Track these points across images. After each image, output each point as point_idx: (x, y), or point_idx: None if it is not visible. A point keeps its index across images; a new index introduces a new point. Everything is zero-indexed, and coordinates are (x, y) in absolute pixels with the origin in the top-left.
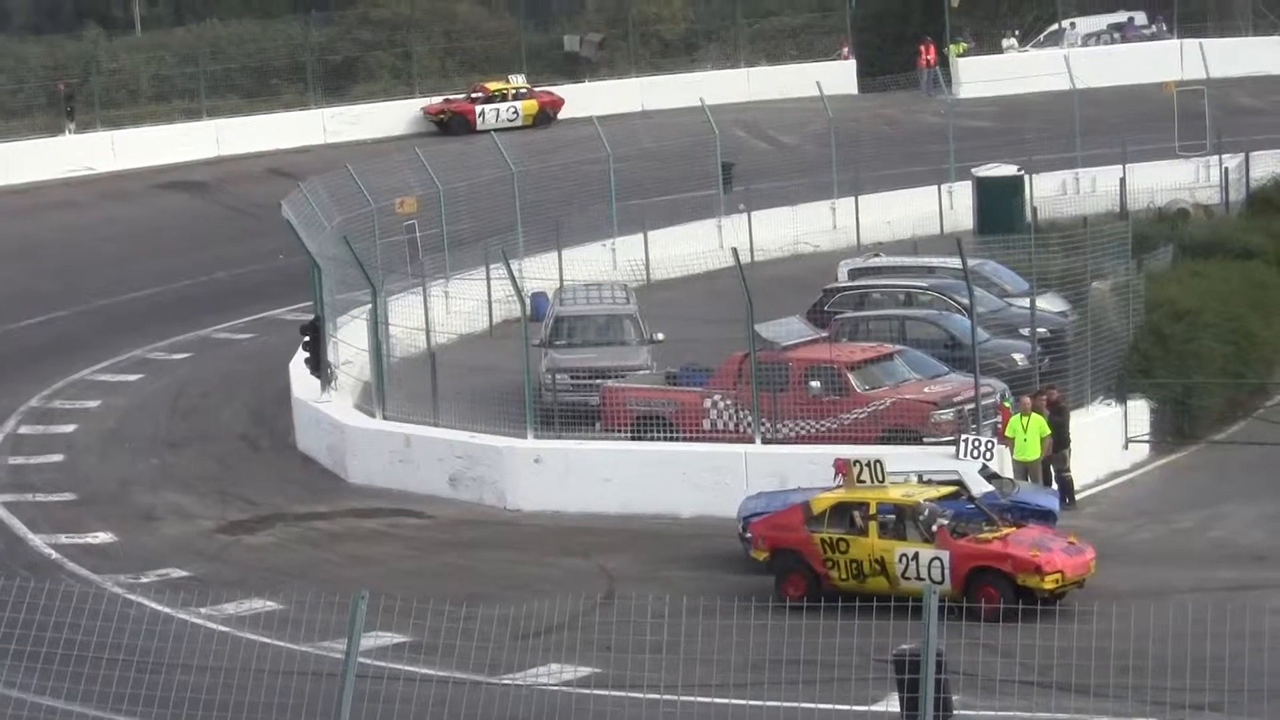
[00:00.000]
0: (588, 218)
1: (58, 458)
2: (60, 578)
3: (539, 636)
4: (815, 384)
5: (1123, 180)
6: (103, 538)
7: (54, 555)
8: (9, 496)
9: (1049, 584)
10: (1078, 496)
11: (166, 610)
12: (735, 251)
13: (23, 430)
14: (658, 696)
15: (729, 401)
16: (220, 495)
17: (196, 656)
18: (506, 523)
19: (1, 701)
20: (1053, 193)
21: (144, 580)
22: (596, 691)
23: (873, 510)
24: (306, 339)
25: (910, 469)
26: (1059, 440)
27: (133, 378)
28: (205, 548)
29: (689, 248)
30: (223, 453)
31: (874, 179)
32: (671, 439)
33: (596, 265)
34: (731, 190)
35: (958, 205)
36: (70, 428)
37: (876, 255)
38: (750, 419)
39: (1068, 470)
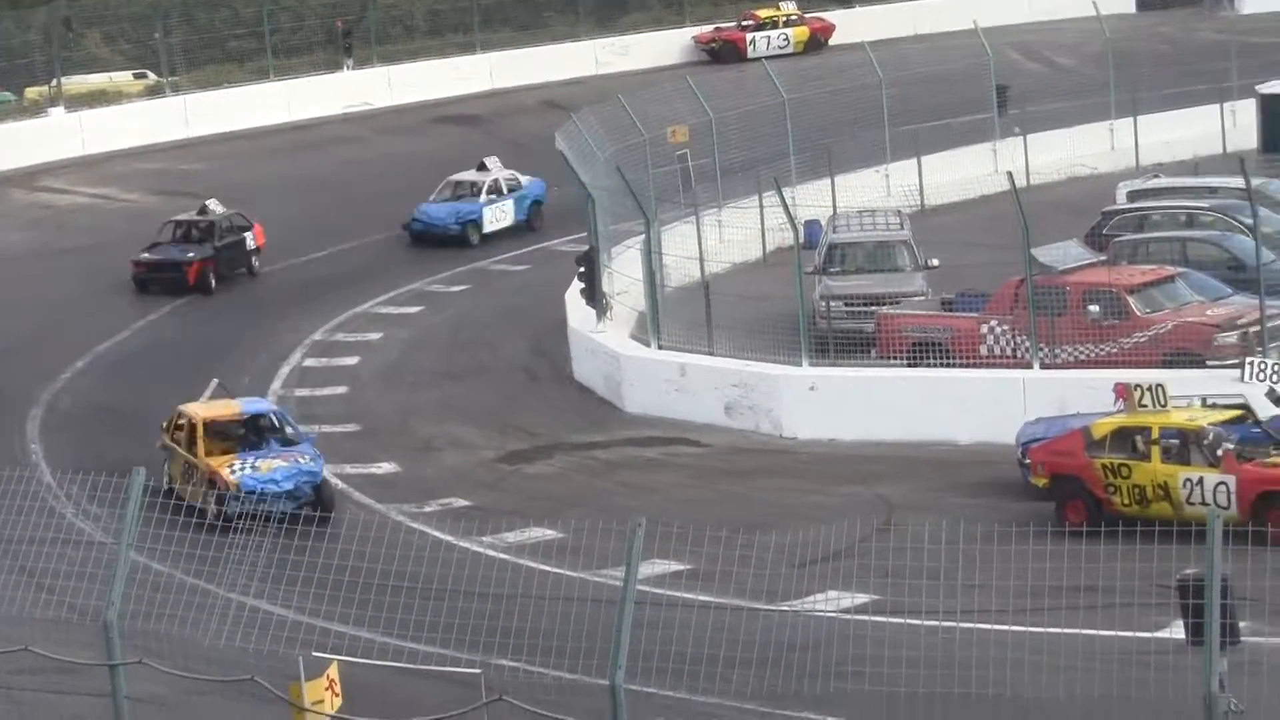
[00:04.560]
0: (860, 144)
1: (342, 390)
2: (347, 507)
3: (817, 564)
4: (1094, 308)
5: None
6: (386, 468)
7: (340, 485)
8: None
9: None
10: None
11: (449, 539)
12: (1010, 175)
13: (308, 363)
14: (937, 623)
15: (1006, 327)
16: (499, 425)
17: (479, 584)
18: (782, 450)
19: (293, 627)
20: None
21: (427, 509)
22: (875, 618)
23: (1155, 435)
24: (581, 270)
25: (1193, 393)
26: None
27: (413, 310)
28: (485, 477)
29: (963, 173)
30: (501, 384)
31: (1153, 99)
32: (948, 365)
33: (869, 191)
34: (1006, 114)
35: (1241, 124)
36: (353, 360)
37: (1156, 176)
38: (1028, 344)
39: None
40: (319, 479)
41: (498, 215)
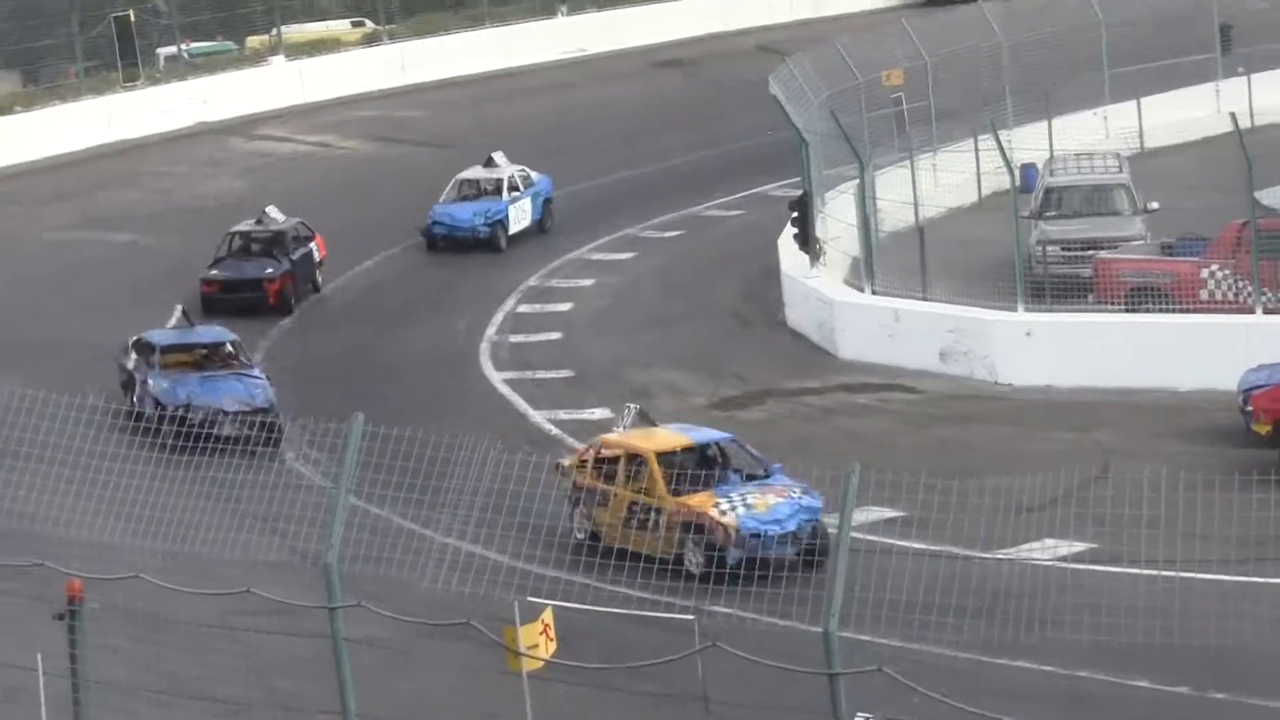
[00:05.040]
0: (1078, 86)
1: (555, 335)
2: (560, 452)
3: (1033, 511)
4: None
5: None
6: (600, 414)
7: (554, 431)
8: (510, 374)
9: None
10: None
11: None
12: (1234, 116)
13: (521, 309)
14: (1156, 573)
15: (1228, 271)
16: (712, 371)
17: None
18: (998, 397)
19: (508, 572)
20: None
21: None
22: (1092, 567)
23: None
24: (795, 215)
25: None
26: None
27: (625, 256)
28: (699, 423)
29: (1184, 114)
30: (713, 329)
31: None
32: (1168, 310)
33: (1087, 134)
34: (1230, 53)
35: None
36: (566, 306)
37: None
38: (1250, 289)
39: None
40: (819, 517)
41: (519, 215)
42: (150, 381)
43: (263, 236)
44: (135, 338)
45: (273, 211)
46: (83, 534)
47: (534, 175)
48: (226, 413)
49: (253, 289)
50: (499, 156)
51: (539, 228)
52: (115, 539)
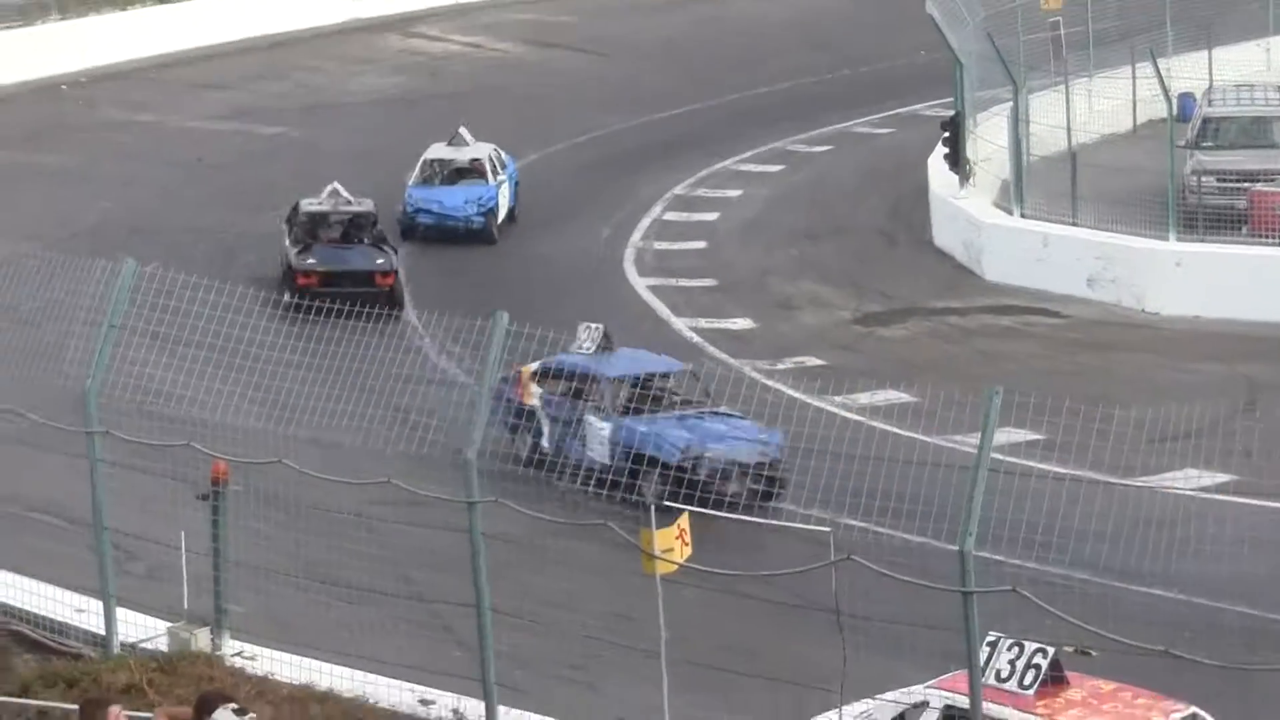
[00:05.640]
0: (1241, 17)
1: (700, 244)
2: (702, 361)
3: (1176, 441)
4: None
5: None
6: (742, 324)
7: (695, 339)
8: (654, 280)
9: None
10: None
11: (802, 397)
12: None
13: (668, 216)
14: None
15: None
16: (856, 287)
17: (830, 443)
18: (1144, 325)
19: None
20: None
21: (781, 367)
22: (1233, 499)
23: None
24: (946, 135)
25: None
26: None
27: (774, 169)
28: (840, 338)
29: None
30: (859, 245)
31: None
32: None
33: (1249, 66)
34: None
35: None
36: (713, 215)
37: None
38: None
39: None
40: None
41: (502, 201)
42: (601, 425)
43: (342, 219)
44: (535, 365)
45: (340, 189)
46: (226, 418)
47: (503, 155)
48: (741, 466)
49: (359, 282)
50: (465, 133)
51: (510, 216)
52: (258, 424)
